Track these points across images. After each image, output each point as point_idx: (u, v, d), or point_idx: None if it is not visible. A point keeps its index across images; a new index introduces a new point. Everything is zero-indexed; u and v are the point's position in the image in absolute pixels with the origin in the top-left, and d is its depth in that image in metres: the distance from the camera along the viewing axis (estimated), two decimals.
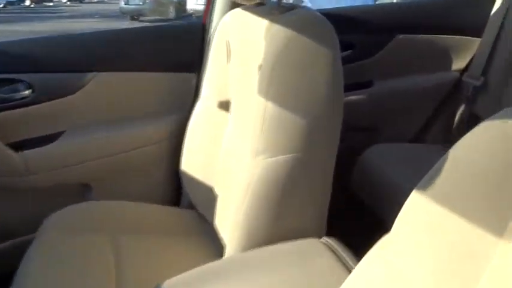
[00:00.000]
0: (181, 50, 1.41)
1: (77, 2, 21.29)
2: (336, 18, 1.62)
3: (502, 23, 1.50)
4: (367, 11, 1.65)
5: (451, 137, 1.69)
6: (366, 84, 1.61)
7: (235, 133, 1.09)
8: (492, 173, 0.48)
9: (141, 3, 13.72)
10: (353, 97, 1.58)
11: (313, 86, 0.82)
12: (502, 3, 1.51)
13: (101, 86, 1.31)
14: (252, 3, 1.00)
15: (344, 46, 1.57)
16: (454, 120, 1.68)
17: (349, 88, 1.59)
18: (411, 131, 1.72)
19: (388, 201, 1.37)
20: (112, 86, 1.32)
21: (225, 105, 1.19)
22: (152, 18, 13.60)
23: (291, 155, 0.79)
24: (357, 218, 1.44)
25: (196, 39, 1.39)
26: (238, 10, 1.11)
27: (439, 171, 0.53)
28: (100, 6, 19.01)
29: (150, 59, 1.37)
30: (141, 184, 1.37)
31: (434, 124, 1.71)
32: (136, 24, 12.59)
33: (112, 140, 1.31)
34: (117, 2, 15.16)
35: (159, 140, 1.36)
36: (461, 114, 1.66)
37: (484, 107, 1.56)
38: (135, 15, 13.86)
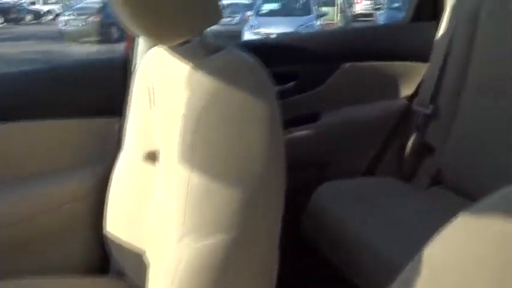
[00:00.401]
0: (101, 91, 1.23)
1: (12, 23, 20.31)
2: (278, 47, 1.54)
3: (448, 48, 1.44)
4: (312, 38, 1.55)
5: (403, 167, 1.61)
6: (313, 117, 1.49)
7: (163, 192, 0.92)
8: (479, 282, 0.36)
9: (81, 24, 13.23)
10: (300, 132, 1.46)
11: (246, 147, 0.66)
12: (447, 28, 1.45)
13: (4, 138, 1.10)
14: (174, 44, 0.84)
15: (287, 77, 1.46)
16: (405, 149, 1.60)
17: (295, 122, 1.47)
18: (363, 163, 1.62)
19: (344, 249, 1.25)
20: (17, 138, 1.11)
21: (152, 156, 1.01)
22: (93, 39, 13.13)
23: (222, 236, 0.63)
24: (311, 270, 1.29)
25: (119, 78, 1.21)
26: (160, 49, 0.95)
27: (412, 277, 0.40)
28: (37, 28, 18.22)
29: (63, 102, 1.18)
30: (58, 252, 1.15)
31: (386, 155, 1.62)
32: (75, 47, 12.09)
33: (18, 203, 1.10)
34: (55, 23, 14.52)
35: (77, 197, 1.16)
36: (413, 144, 1.57)
37: (435, 136, 1.49)
38: (75, 37, 13.33)
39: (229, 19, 11.97)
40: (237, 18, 11.82)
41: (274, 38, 1.50)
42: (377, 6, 9.97)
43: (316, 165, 1.55)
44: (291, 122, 1.47)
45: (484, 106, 1.34)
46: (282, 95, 1.46)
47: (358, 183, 1.53)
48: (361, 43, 1.52)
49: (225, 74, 0.69)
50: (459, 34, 1.41)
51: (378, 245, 1.16)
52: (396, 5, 8.82)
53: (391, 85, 1.56)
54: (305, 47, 1.47)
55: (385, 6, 8.82)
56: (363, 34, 1.56)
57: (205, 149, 0.66)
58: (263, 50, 1.47)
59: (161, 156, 0.97)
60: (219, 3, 0.79)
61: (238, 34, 9.84)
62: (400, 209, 1.31)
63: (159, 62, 0.94)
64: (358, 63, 1.48)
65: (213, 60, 0.73)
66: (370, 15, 12.05)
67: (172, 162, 0.80)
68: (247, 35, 9.27)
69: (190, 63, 0.77)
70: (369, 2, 15.88)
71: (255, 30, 9.22)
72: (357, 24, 13.48)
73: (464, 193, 1.38)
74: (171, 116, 0.84)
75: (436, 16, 1.55)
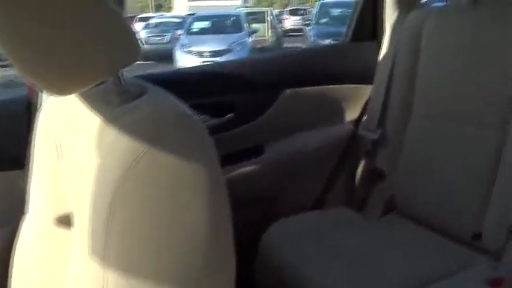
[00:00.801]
0: (1, 138, 1.01)
1: None
2: (210, 76, 1.38)
3: (392, 69, 1.37)
4: (248, 64, 1.41)
5: (354, 196, 1.51)
6: (256, 150, 1.35)
7: (79, 266, 0.72)
8: None
9: None
10: (242, 169, 1.31)
11: (180, 228, 0.50)
12: (389, 48, 1.38)
13: None
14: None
15: (223, 108, 1.31)
16: (355, 177, 1.50)
17: (237, 158, 1.32)
18: (313, 194, 1.50)
19: None
20: None
21: (65, 220, 0.81)
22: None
23: None
24: None
25: (21, 124, 1.00)
26: None
27: None
28: None
29: None
30: None
31: (336, 184, 1.51)
32: None
33: None
34: None
35: None
36: (363, 171, 1.48)
37: (384, 161, 1.41)
38: None
39: (159, 38, 11.68)
40: (168, 37, 11.57)
41: (207, 66, 1.32)
42: (306, 22, 10.18)
43: (263, 203, 1.41)
44: (231, 158, 1.32)
45: (431, 129, 1.27)
46: (220, 129, 1.33)
47: (309, 218, 1.41)
48: (301, 67, 1.42)
49: (146, 130, 0.52)
50: (402, 55, 1.34)
51: None
52: (324, 20, 9.05)
53: (335, 110, 1.46)
54: (240, 75, 1.33)
55: (314, 22, 9.00)
56: (302, 57, 1.46)
57: (124, 237, 0.48)
58: (191, 81, 1.31)
59: (76, 220, 0.78)
60: (137, 36, 0.62)
61: (169, 53, 9.60)
62: (355, 242, 1.22)
63: (65, 107, 0.75)
64: (300, 89, 1.37)
65: (130, 111, 0.56)
66: (300, 30, 12.33)
67: (85, 231, 0.61)
68: (179, 54, 9.07)
69: (102, 115, 0.59)
70: (297, 18, 16.31)
71: (187, 49, 9.04)
72: (287, 39, 13.77)
73: (418, 219, 1.31)
74: (82, 172, 0.66)
75: (376, 36, 1.48)
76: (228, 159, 1.33)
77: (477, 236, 1.17)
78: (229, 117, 1.29)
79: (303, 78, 1.39)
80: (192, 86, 1.28)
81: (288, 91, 1.35)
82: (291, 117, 1.39)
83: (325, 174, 1.49)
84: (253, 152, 1.35)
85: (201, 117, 1.28)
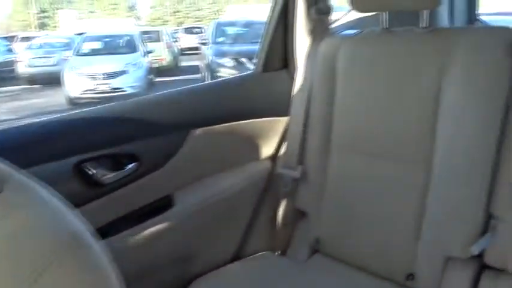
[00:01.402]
0: None
1: None
2: (102, 121, 1.15)
3: (308, 101, 1.26)
4: (145, 104, 1.20)
5: (277, 239, 1.37)
6: (165, 203, 1.15)
7: None
8: None
9: None
10: (151, 228, 1.10)
11: None
12: (304, 78, 1.27)
13: None
14: None
15: (125, 159, 1.09)
16: (277, 219, 1.37)
17: (142, 215, 1.11)
18: (233, 242, 1.33)
19: None
20: None
21: None
22: None
23: None
24: None
25: None
26: None
27: None
28: None
29: None
30: None
31: (258, 227, 1.36)
32: None
33: None
34: None
35: None
36: (285, 212, 1.35)
37: (307, 201, 1.29)
38: None
39: (44, 60, 10.71)
40: (54, 58, 10.67)
41: (88, 111, 1.06)
42: (202, 41, 10.08)
43: (178, 263, 1.21)
44: (135, 216, 1.10)
45: (354, 164, 1.19)
46: (121, 183, 1.10)
47: (230, 271, 1.24)
48: (208, 103, 1.25)
49: None
50: (318, 85, 1.24)
51: None
52: (220, 39, 9.04)
53: (250, 147, 1.32)
54: (139, 117, 1.12)
55: (211, 41, 8.94)
56: (209, 91, 1.29)
57: None
58: (79, 129, 1.08)
59: None
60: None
61: (57, 76, 8.83)
62: None
63: None
64: (209, 128, 1.20)
65: None
66: (196, 48, 12.22)
67: None
68: (69, 77, 8.37)
69: None
70: (194, 37, 16.20)
71: (77, 71, 8.38)
72: (185, 58, 13.57)
73: (346, 261, 1.21)
74: None
75: (288, 65, 1.37)
76: (132, 218, 1.11)
77: (410, 276, 1.10)
78: (131, 168, 1.07)
79: (211, 115, 1.23)
80: (83, 135, 1.05)
81: (197, 131, 1.17)
82: (201, 161, 1.21)
83: (245, 219, 1.34)
84: (162, 205, 1.15)
85: (97, 171, 1.05)
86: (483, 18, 1.60)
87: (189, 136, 1.16)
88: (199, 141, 1.19)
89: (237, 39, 8.76)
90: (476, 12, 1.59)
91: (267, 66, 1.35)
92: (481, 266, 1.05)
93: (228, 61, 7.85)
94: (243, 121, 1.28)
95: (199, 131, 1.18)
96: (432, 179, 1.05)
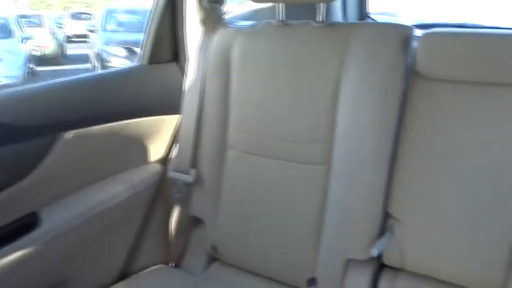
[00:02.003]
0: None
1: None
2: None
3: (201, 97, 1.15)
4: (4, 102, 0.97)
5: (172, 250, 1.25)
6: (30, 221, 0.96)
7: None
8: None
9: None
10: (13, 254, 0.91)
11: None
12: (196, 72, 1.15)
13: None
14: None
15: None
16: (170, 228, 1.24)
17: (3, 238, 0.91)
18: (120, 258, 1.17)
19: None
20: None
21: None
22: None
23: None
24: None
25: None
26: None
27: None
28: None
29: None
30: None
31: (148, 239, 1.22)
32: None
33: None
34: None
35: None
36: (178, 219, 1.23)
37: (202, 206, 1.19)
38: None
39: None
40: None
41: None
42: (91, 28, 9.36)
43: None
44: None
45: (250, 166, 1.11)
46: None
47: None
48: (84, 98, 1.07)
49: None
50: (211, 79, 1.14)
51: None
52: (111, 27, 8.46)
53: (137, 150, 1.17)
54: None
55: (101, 28, 8.33)
56: (86, 86, 1.10)
57: None
58: None
59: None
60: None
61: None
62: None
63: None
64: (86, 129, 1.02)
65: None
66: (85, 36, 11.37)
67: None
68: None
69: None
70: (82, 23, 15.01)
71: None
72: (71, 46, 12.55)
73: (246, 269, 1.14)
74: None
75: (178, 58, 1.24)
76: None
77: (312, 281, 1.06)
78: None
79: (88, 114, 1.05)
80: None
81: (69, 134, 0.99)
82: (75, 169, 1.03)
83: (133, 231, 1.18)
84: (26, 224, 0.95)
85: None
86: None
87: (60, 140, 0.98)
88: (73, 146, 1.01)
89: (129, 27, 8.27)
90: (366, 9, 1.62)
91: (154, 58, 1.20)
92: (380, 265, 1.05)
93: (119, 50, 7.39)
94: (127, 121, 1.12)
95: (72, 133, 1.00)
96: (331, 180, 1.01)
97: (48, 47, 10.70)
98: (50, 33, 11.06)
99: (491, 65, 0.89)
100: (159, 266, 1.23)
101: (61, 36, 12.26)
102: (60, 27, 13.74)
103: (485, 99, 0.91)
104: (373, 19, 1.62)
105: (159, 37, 1.19)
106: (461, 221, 0.93)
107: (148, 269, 1.21)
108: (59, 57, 10.94)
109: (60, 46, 11.56)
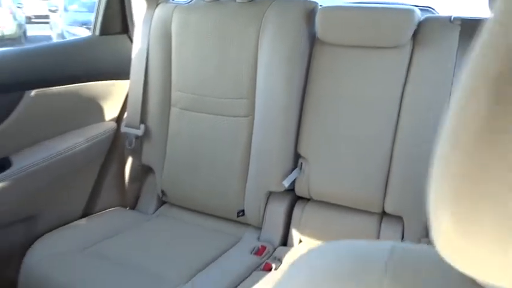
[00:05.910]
0: None
1: None
2: None
3: (146, 64, 1.36)
4: None
5: (127, 194, 1.46)
6: (2, 165, 1.15)
7: None
8: None
9: None
10: None
11: None
12: (141, 42, 1.36)
13: None
14: None
15: None
16: (124, 176, 1.45)
17: None
18: (82, 200, 1.38)
19: None
20: None
21: None
22: None
23: None
24: None
25: None
26: None
27: None
28: None
29: None
30: None
31: (106, 184, 1.43)
32: None
33: None
34: None
35: None
36: (131, 168, 1.45)
37: (151, 156, 1.40)
38: None
39: None
40: None
41: None
42: (53, 8, 9.21)
43: (22, 223, 1.22)
44: None
45: (189, 120, 1.33)
46: None
47: (79, 226, 1.30)
48: (47, 64, 1.26)
49: None
50: (155, 48, 1.35)
51: None
52: (74, 7, 8.37)
53: (92, 109, 1.36)
54: None
55: (62, 8, 8.23)
56: (48, 53, 1.29)
57: None
58: None
59: None
60: None
61: None
62: (127, 243, 1.20)
63: None
64: (47, 89, 1.22)
65: None
66: (47, 16, 11.13)
67: None
68: None
69: None
70: (43, 3, 14.61)
71: None
72: (32, 27, 12.25)
73: (190, 208, 1.38)
74: None
75: (127, 29, 1.44)
76: None
77: (241, 213, 1.30)
78: None
79: (49, 76, 1.24)
80: None
81: (33, 92, 1.18)
82: (40, 123, 1.23)
83: (92, 177, 1.39)
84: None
85: None
86: None
87: (25, 97, 1.17)
88: (37, 103, 1.20)
89: (92, 7, 8.21)
90: None
91: (105, 30, 1.39)
92: (295, 197, 1.30)
93: (83, 31, 7.35)
94: (84, 83, 1.32)
95: (35, 92, 1.19)
96: (254, 129, 1.25)
97: (7, 28, 10.46)
98: (10, 13, 10.79)
99: (371, 32, 1.14)
100: (116, 208, 1.45)
101: (21, 17, 11.95)
102: (19, 7, 13.37)
103: (368, 58, 1.16)
104: None
105: (109, 11, 1.38)
106: (352, 155, 1.18)
107: (107, 210, 1.42)
108: (19, 39, 10.71)
109: (21, 27, 11.29)
